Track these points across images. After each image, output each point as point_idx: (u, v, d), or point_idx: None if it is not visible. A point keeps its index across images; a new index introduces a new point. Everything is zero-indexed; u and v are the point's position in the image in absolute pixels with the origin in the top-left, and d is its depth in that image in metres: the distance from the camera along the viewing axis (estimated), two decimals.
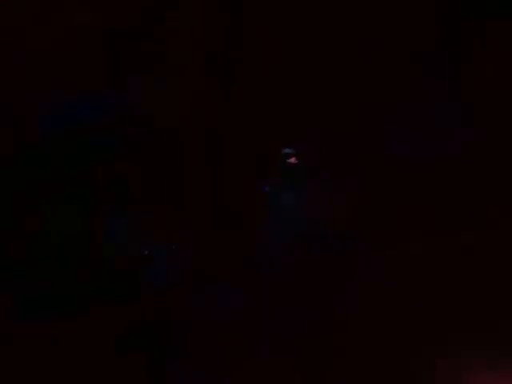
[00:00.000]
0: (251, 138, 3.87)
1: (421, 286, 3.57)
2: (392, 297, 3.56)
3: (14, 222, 3.73)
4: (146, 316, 3.58)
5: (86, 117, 3.78)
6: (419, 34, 3.98)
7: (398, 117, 3.93)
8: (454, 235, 3.70)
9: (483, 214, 3.75)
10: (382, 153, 3.89)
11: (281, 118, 3.91)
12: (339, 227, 3.73)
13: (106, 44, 3.85)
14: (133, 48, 3.88)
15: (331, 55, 3.98)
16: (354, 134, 3.93)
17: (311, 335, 3.50)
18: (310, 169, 3.88)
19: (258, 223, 3.74)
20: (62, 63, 3.79)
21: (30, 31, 3.79)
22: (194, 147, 3.86)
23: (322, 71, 3.98)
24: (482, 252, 3.64)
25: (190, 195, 3.78)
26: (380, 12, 3.99)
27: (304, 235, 3.80)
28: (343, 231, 3.72)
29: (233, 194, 3.79)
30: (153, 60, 3.90)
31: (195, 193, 3.79)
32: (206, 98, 3.90)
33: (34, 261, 3.68)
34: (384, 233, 3.74)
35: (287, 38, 3.95)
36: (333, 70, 3.98)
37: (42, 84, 3.76)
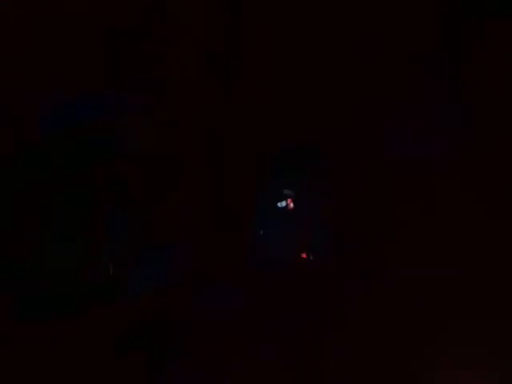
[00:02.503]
0: (251, 137, 3.87)
1: (421, 286, 3.58)
2: (392, 296, 3.56)
3: (14, 221, 3.73)
4: (146, 316, 3.59)
5: (86, 117, 3.78)
6: (419, 34, 3.97)
7: (398, 117, 3.92)
8: (455, 235, 3.70)
9: (484, 214, 3.76)
10: (382, 153, 3.89)
11: (281, 117, 3.91)
12: (338, 228, 3.74)
13: (106, 44, 3.85)
14: (133, 48, 3.88)
15: (331, 55, 3.98)
16: (353, 133, 3.93)
17: (311, 335, 3.50)
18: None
19: (251, 224, 3.75)
20: (62, 63, 3.79)
21: (29, 30, 3.80)
22: (194, 147, 3.86)
23: (321, 71, 3.98)
24: (482, 252, 3.64)
25: (189, 195, 3.78)
26: (380, 12, 3.99)
27: (303, 235, 3.81)
28: (343, 232, 3.73)
29: (233, 194, 3.79)
30: (153, 60, 3.90)
31: (195, 193, 3.79)
32: (206, 97, 3.91)
33: (34, 261, 3.69)
34: (384, 232, 3.75)
35: (287, 38, 3.95)
36: (333, 70, 3.97)
37: (41, 84, 3.76)
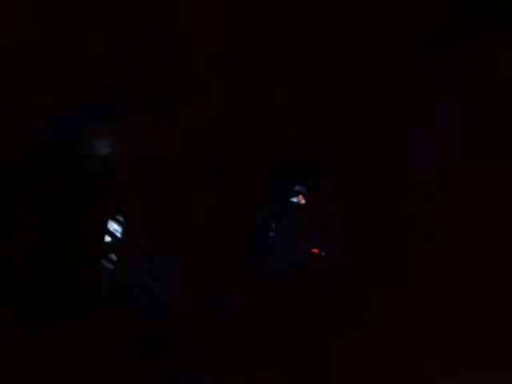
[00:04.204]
0: (253, 143, 3.86)
1: (422, 293, 3.58)
2: (391, 306, 3.57)
3: (13, 228, 3.71)
4: (147, 322, 3.59)
5: (87, 123, 3.75)
6: (419, 33, 3.96)
7: (398, 117, 3.92)
8: (459, 240, 3.70)
9: (485, 218, 3.76)
10: (382, 153, 3.89)
11: (284, 119, 3.89)
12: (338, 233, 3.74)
13: (106, 45, 3.82)
14: (134, 54, 3.85)
15: (331, 55, 3.97)
16: (353, 135, 3.93)
17: (309, 345, 3.51)
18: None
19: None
20: (63, 69, 3.77)
21: (30, 32, 3.77)
22: (195, 149, 3.85)
23: (321, 71, 3.97)
24: (486, 257, 3.64)
25: (190, 199, 3.77)
26: (380, 12, 3.97)
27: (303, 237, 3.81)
28: (342, 238, 3.72)
29: (234, 199, 3.79)
30: (154, 60, 3.88)
31: (196, 198, 3.79)
32: (208, 97, 3.89)
33: (35, 267, 3.67)
34: (385, 237, 3.75)
35: (287, 39, 3.93)
36: (333, 70, 3.96)
37: (42, 89, 3.74)
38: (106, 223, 3.75)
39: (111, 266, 3.70)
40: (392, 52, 3.94)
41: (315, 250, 3.78)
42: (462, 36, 3.93)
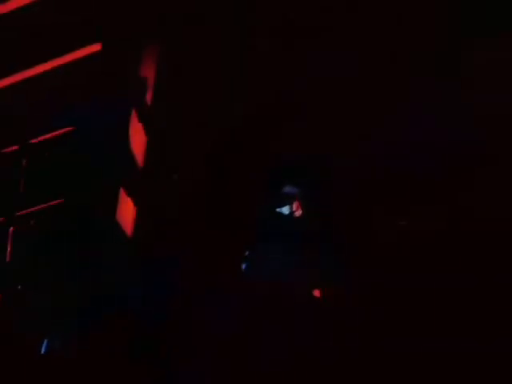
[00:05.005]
0: (254, 143, 3.86)
1: (422, 294, 3.58)
2: (392, 307, 3.56)
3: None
4: (146, 328, 3.59)
5: (88, 124, 3.75)
6: (419, 33, 3.96)
7: (398, 117, 3.92)
8: (460, 242, 3.69)
9: (485, 217, 3.75)
10: (382, 153, 3.88)
11: (285, 125, 3.89)
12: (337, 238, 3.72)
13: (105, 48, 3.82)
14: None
15: (330, 56, 3.97)
16: (353, 135, 3.93)
17: (309, 345, 3.50)
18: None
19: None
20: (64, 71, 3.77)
21: (32, 33, 3.77)
22: (197, 156, 3.85)
23: (321, 72, 3.97)
24: (486, 258, 3.63)
25: (190, 207, 3.77)
26: (380, 12, 3.97)
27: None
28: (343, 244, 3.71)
29: (235, 207, 3.78)
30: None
31: (196, 205, 3.78)
32: (209, 99, 3.89)
33: (35, 270, 3.67)
34: (385, 237, 3.75)
35: (287, 44, 3.93)
36: (332, 71, 3.96)
37: (42, 89, 3.74)
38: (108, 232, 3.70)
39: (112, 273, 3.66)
40: (392, 53, 3.93)
41: (317, 293, 3.53)
42: (461, 40, 3.92)
